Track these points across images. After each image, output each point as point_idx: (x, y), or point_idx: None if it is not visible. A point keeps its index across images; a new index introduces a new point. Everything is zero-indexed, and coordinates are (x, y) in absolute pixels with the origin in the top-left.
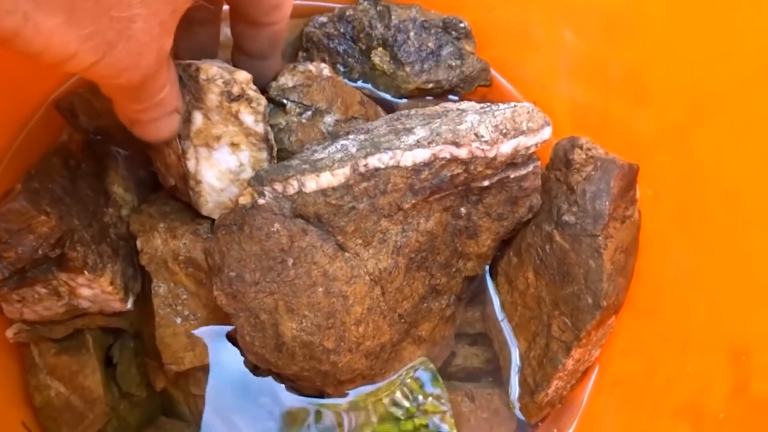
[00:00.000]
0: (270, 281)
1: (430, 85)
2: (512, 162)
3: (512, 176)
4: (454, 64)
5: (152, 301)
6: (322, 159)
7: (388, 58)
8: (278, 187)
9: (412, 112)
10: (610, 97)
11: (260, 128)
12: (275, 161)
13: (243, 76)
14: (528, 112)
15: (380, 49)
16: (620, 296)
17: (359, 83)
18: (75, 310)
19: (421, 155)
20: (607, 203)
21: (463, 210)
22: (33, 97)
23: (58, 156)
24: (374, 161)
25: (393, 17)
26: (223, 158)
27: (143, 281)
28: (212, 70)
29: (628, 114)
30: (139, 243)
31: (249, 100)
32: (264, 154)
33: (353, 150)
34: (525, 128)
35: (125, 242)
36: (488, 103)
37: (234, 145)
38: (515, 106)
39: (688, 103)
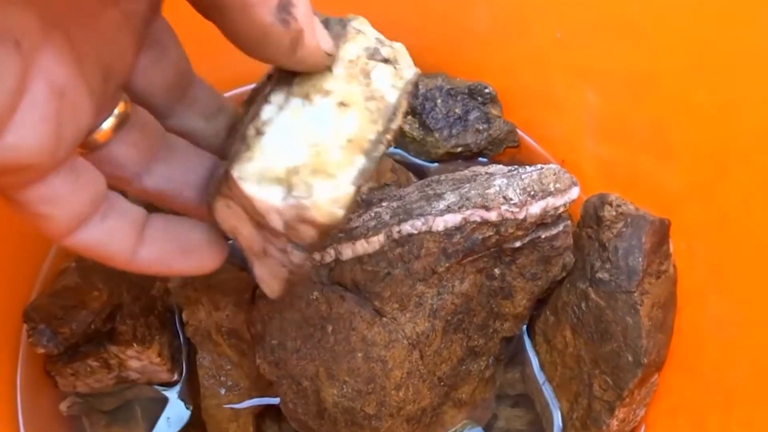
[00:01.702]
0: (311, 348)
1: (459, 149)
2: (542, 222)
3: (543, 236)
4: (481, 128)
5: (197, 373)
6: (356, 227)
7: (417, 125)
8: (317, 256)
9: (442, 177)
10: (637, 153)
11: (392, 97)
12: (387, 144)
13: (401, 47)
14: (555, 174)
15: (410, 117)
16: (661, 353)
17: (391, 149)
18: (124, 381)
19: (453, 220)
20: (640, 259)
21: (496, 271)
22: None
23: None
24: (407, 227)
25: (420, 86)
26: (314, 113)
27: (188, 352)
28: (368, 26)
29: (656, 169)
30: (184, 315)
31: (395, 67)
32: (376, 127)
33: (386, 217)
34: (552, 189)
35: (171, 314)
36: (515, 166)
37: (342, 105)
38: (542, 168)
39: (713, 155)
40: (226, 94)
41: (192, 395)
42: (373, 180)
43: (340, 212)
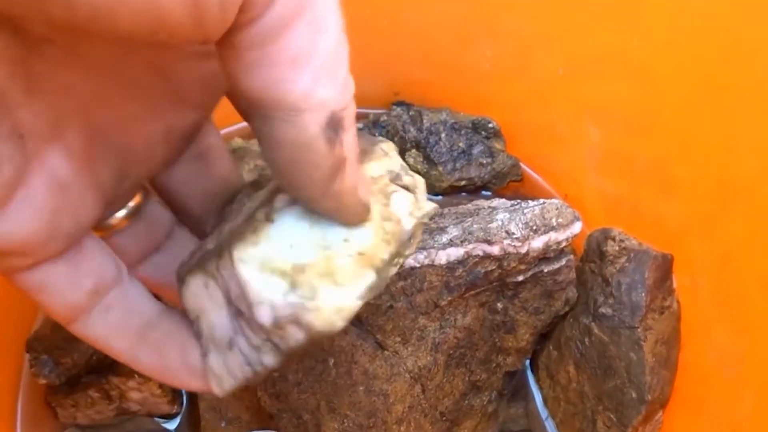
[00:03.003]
0: (312, 381)
1: (463, 182)
2: (545, 257)
3: (546, 270)
4: (485, 161)
5: (198, 405)
6: None
7: (421, 159)
8: None
9: (445, 210)
10: (639, 188)
11: (408, 224)
12: (398, 268)
13: (421, 181)
14: (557, 209)
15: (414, 150)
16: (665, 390)
17: None
18: (125, 413)
19: (455, 253)
20: (643, 294)
21: (499, 305)
22: None
23: None
24: (410, 261)
25: (425, 120)
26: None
27: None
28: (395, 151)
29: (659, 204)
30: None
31: (416, 197)
32: (389, 248)
33: None
34: (555, 224)
35: None
36: (518, 200)
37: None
38: (544, 203)
39: (715, 190)
40: (225, 130)
41: (192, 428)
42: None
43: (339, 323)
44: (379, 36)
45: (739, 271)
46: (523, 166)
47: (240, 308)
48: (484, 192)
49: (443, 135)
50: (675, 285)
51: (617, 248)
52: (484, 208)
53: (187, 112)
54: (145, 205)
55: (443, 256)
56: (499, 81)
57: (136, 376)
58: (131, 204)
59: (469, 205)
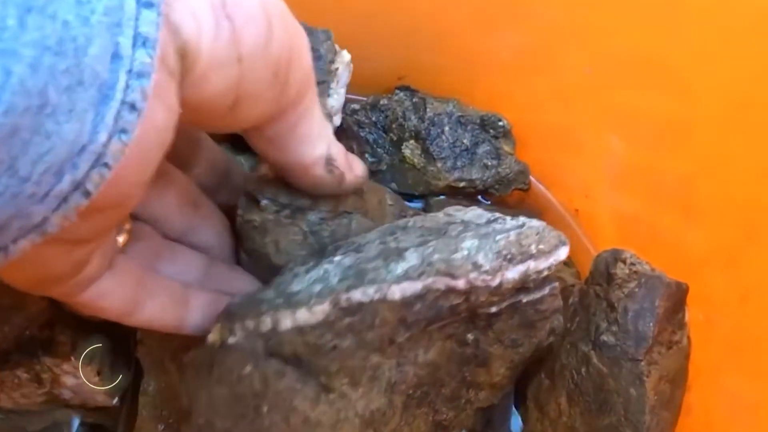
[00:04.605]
0: (243, 430)
1: (462, 184)
2: (523, 286)
3: (525, 300)
4: (489, 163)
5: (138, 399)
6: (299, 292)
7: (419, 152)
8: (250, 324)
9: (410, 223)
10: (660, 209)
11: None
12: None
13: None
14: (537, 233)
15: (412, 141)
16: None
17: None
18: (55, 400)
19: (411, 288)
20: (651, 324)
21: (470, 336)
22: None
23: None
24: (357, 295)
25: (428, 110)
26: None
27: (135, 376)
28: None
29: (679, 228)
30: (139, 332)
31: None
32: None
33: (334, 281)
34: (534, 251)
35: (121, 328)
36: (497, 215)
37: None
38: (522, 225)
39: (743, 219)
40: None
41: (128, 424)
42: (328, 206)
43: None
44: (386, 10)
45: (759, 310)
46: (532, 171)
47: None
48: (482, 199)
49: (447, 128)
50: (687, 319)
51: (627, 272)
52: (454, 224)
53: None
54: (134, 227)
55: (397, 291)
56: (517, 74)
57: (72, 359)
58: (125, 228)
59: (440, 215)
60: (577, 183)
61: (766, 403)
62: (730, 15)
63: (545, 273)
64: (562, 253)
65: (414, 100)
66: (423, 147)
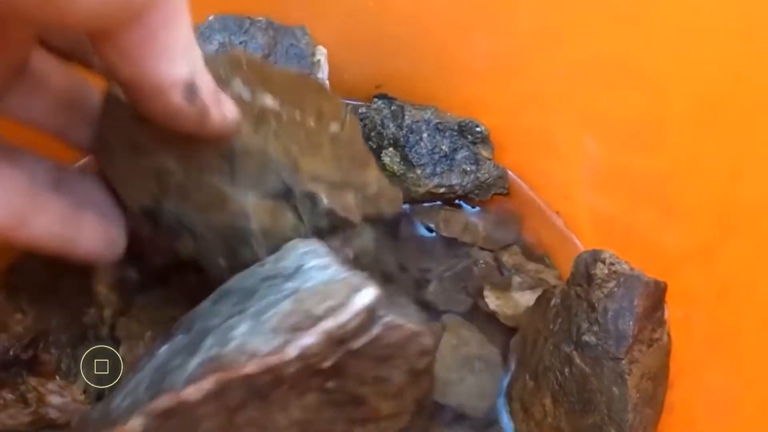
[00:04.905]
0: None
1: (442, 190)
2: (342, 339)
3: (357, 346)
4: (468, 169)
5: None
6: (113, 410)
7: (398, 159)
8: None
9: (236, 285)
10: (637, 208)
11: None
12: None
13: None
14: (321, 290)
15: (391, 149)
16: (648, 430)
17: None
18: (41, 420)
19: (197, 389)
20: (630, 323)
21: (330, 384)
22: None
23: None
24: (163, 402)
25: (407, 117)
26: None
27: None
28: None
29: (657, 227)
30: (122, 350)
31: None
32: None
33: (141, 390)
34: (321, 312)
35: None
36: (327, 262)
37: None
38: (297, 291)
39: (718, 216)
40: None
41: None
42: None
43: None
44: (363, 19)
45: (736, 306)
46: (512, 175)
47: None
48: (464, 204)
49: (425, 135)
50: (667, 316)
51: (606, 272)
52: (271, 278)
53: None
54: None
55: (189, 394)
56: (493, 80)
57: (57, 378)
58: None
59: (261, 271)
60: (556, 185)
61: (746, 398)
62: (697, 17)
63: (353, 323)
64: (360, 298)
65: (392, 107)
66: (402, 154)
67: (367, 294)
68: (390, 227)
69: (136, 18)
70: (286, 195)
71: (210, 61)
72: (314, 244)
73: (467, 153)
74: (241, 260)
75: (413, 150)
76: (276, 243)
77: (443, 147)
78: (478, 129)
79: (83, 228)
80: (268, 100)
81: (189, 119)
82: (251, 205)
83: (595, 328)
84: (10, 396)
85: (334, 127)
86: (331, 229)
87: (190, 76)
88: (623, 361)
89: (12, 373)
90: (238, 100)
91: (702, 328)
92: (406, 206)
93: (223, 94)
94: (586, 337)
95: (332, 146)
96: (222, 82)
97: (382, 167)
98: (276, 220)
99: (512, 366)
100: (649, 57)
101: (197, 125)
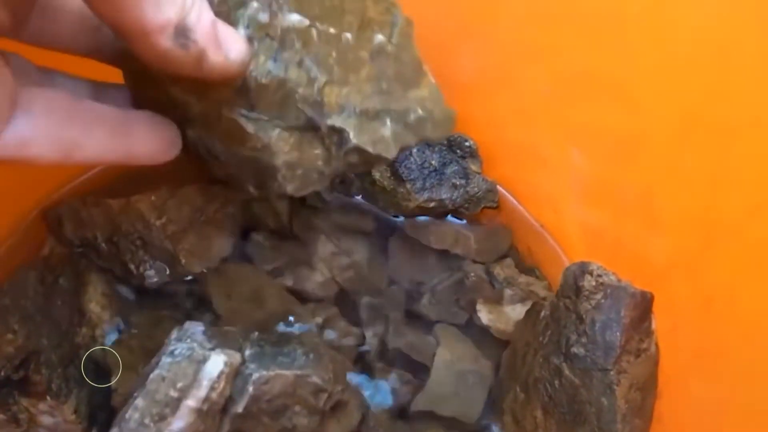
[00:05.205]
0: None
1: (433, 204)
2: (215, 411)
3: (241, 410)
4: (458, 183)
5: None
6: None
7: (389, 174)
8: None
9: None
10: (623, 220)
11: None
12: None
13: None
14: (164, 378)
15: (381, 164)
16: None
17: (359, 199)
18: None
19: None
20: (618, 334)
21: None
22: (18, 209)
23: (36, 270)
24: None
25: None
26: None
27: (111, 412)
28: None
29: (642, 238)
30: (114, 382)
31: None
32: None
33: None
34: (175, 393)
35: (96, 365)
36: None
37: None
38: (149, 376)
39: (701, 226)
40: None
41: None
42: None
43: None
44: None
45: (721, 315)
46: (501, 189)
47: None
48: (454, 218)
49: (414, 150)
50: (654, 327)
51: (594, 283)
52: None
53: None
54: None
55: None
56: (480, 95)
57: (48, 398)
58: None
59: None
60: (544, 198)
61: (733, 407)
62: (677, 34)
63: (219, 389)
64: (214, 364)
65: None
66: (392, 170)
67: (215, 363)
68: (381, 241)
69: None
70: (313, 127)
71: None
72: (193, 327)
73: (456, 167)
74: (270, 190)
75: (403, 165)
76: (306, 176)
77: (433, 162)
78: (467, 144)
79: (136, 135)
80: (295, 18)
81: (184, 63)
82: (274, 140)
83: (584, 339)
84: (1, 416)
85: (378, 38)
86: (363, 163)
87: (180, 18)
88: (611, 372)
89: (3, 393)
90: (254, 26)
91: (689, 337)
92: (399, 218)
93: (226, 32)
94: (574, 349)
95: (373, 63)
96: (238, 4)
97: (372, 183)
98: (303, 153)
99: (503, 378)
100: (630, 72)
101: (194, 69)
